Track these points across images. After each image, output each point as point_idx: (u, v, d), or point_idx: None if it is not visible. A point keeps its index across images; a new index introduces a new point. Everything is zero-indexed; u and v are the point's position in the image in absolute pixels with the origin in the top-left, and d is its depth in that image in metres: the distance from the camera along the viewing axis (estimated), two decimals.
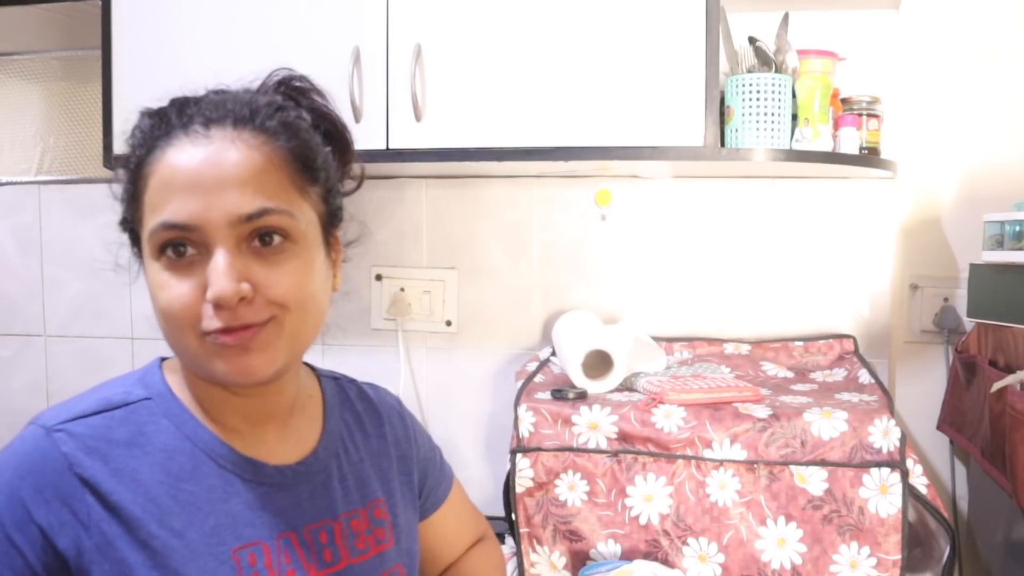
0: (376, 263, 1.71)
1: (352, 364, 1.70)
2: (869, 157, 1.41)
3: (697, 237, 1.60)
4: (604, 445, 1.22)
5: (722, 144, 1.34)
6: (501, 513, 1.30)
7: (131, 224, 0.75)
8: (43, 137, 1.89)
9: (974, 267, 1.25)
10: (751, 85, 1.32)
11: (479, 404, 1.69)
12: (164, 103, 0.75)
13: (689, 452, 1.19)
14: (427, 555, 0.97)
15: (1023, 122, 1.42)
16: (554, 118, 1.31)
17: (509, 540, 1.44)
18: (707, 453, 1.18)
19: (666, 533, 1.19)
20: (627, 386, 1.36)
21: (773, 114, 1.32)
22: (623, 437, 1.21)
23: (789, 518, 1.16)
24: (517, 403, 1.27)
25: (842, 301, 1.56)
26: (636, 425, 1.20)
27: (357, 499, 0.83)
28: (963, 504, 1.45)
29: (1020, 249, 1.14)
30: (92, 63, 1.66)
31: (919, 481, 1.15)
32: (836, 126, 1.39)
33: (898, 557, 1.13)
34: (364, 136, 1.35)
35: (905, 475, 1.13)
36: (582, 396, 1.28)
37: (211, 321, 0.68)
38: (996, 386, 1.13)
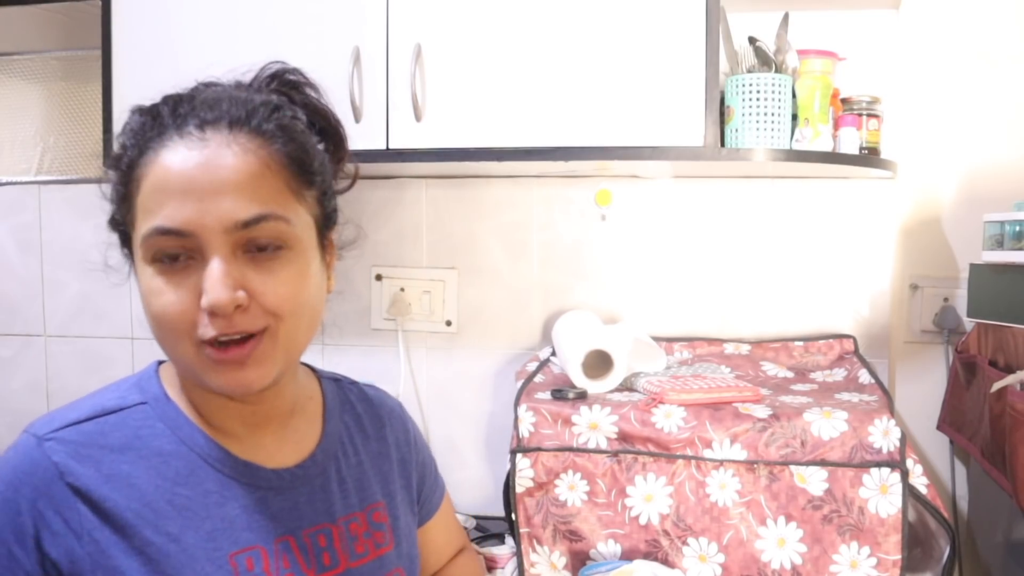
0: (376, 263, 1.71)
1: (352, 364, 1.70)
2: (869, 157, 1.41)
3: (697, 237, 1.60)
4: (604, 445, 1.22)
5: (722, 144, 1.34)
6: (501, 513, 1.30)
7: (122, 225, 0.73)
8: (43, 137, 1.89)
9: (974, 267, 1.25)
10: (751, 85, 1.32)
11: (479, 404, 1.69)
12: (158, 99, 0.74)
13: (689, 452, 1.19)
14: None
15: (1023, 122, 1.42)
16: (554, 118, 1.31)
17: (509, 540, 1.44)
18: (707, 453, 1.18)
19: (666, 533, 1.19)
20: (627, 386, 1.36)
21: (773, 114, 1.32)
22: (623, 437, 1.21)
23: (789, 518, 1.16)
24: (517, 403, 1.27)
25: (842, 301, 1.56)
26: (636, 425, 1.20)
27: (356, 502, 0.83)
28: (963, 504, 1.45)
29: (1020, 249, 1.14)
30: (92, 63, 1.66)
31: (919, 481, 1.15)
32: (836, 126, 1.39)
33: (898, 557, 1.12)
34: (364, 136, 1.36)
35: (905, 475, 1.13)
36: (582, 396, 1.28)
37: (206, 329, 0.68)
38: (996, 386, 1.13)
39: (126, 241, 0.74)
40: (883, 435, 1.14)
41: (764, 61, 1.39)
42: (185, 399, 0.77)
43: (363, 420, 0.90)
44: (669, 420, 1.19)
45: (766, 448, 1.16)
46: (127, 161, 0.71)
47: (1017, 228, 1.15)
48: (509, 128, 1.32)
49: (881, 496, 1.13)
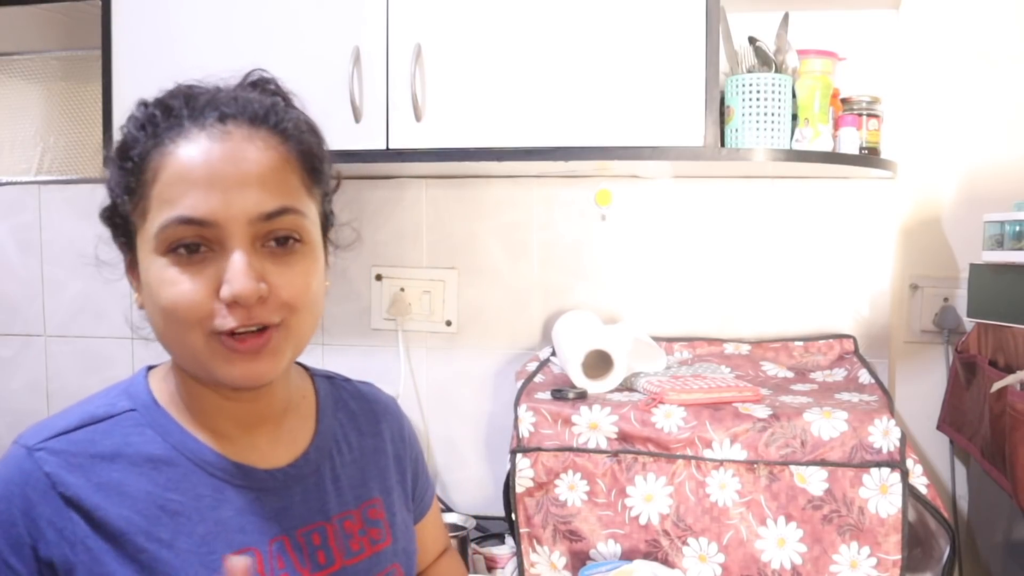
0: (376, 263, 1.71)
1: (352, 364, 1.70)
2: (869, 157, 1.41)
3: (697, 237, 1.60)
4: (604, 445, 1.22)
5: (722, 144, 1.34)
6: (501, 513, 1.30)
7: (123, 217, 0.73)
8: (43, 137, 1.89)
9: (974, 267, 1.25)
10: (751, 85, 1.32)
11: (479, 404, 1.69)
12: (162, 94, 0.73)
13: (689, 452, 1.19)
14: None
15: (1023, 122, 1.42)
16: (554, 118, 1.31)
17: (509, 540, 1.44)
18: (707, 453, 1.18)
19: (666, 533, 1.19)
20: (627, 386, 1.36)
21: (773, 114, 1.32)
22: (623, 437, 1.21)
23: (789, 518, 1.16)
24: (517, 403, 1.27)
25: (842, 301, 1.55)
26: (636, 425, 1.20)
27: (350, 500, 0.83)
28: (963, 504, 1.45)
29: (1020, 249, 1.14)
30: (92, 63, 1.66)
31: (919, 481, 1.15)
32: (836, 126, 1.39)
33: (898, 557, 1.13)
34: (364, 136, 1.36)
35: (905, 475, 1.13)
36: (582, 396, 1.28)
37: (225, 320, 0.68)
38: (996, 386, 1.13)
39: (122, 234, 0.74)
40: (883, 435, 1.14)
41: (764, 61, 1.39)
42: (176, 403, 0.76)
43: (358, 417, 0.90)
44: (669, 420, 1.19)
45: (766, 448, 1.16)
46: (139, 152, 0.70)
47: (1017, 228, 1.15)
48: (509, 128, 1.32)
49: (881, 496, 1.13)
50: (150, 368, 0.80)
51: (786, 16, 1.41)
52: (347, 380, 0.94)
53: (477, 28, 1.32)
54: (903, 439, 1.14)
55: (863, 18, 1.49)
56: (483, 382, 1.69)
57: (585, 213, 1.63)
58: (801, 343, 1.53)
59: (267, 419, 0.79)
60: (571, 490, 1.22)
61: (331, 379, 0.92)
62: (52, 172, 1.89)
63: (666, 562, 1.19)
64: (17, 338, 1.91)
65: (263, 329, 0.70)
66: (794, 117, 1.36)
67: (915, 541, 1.18)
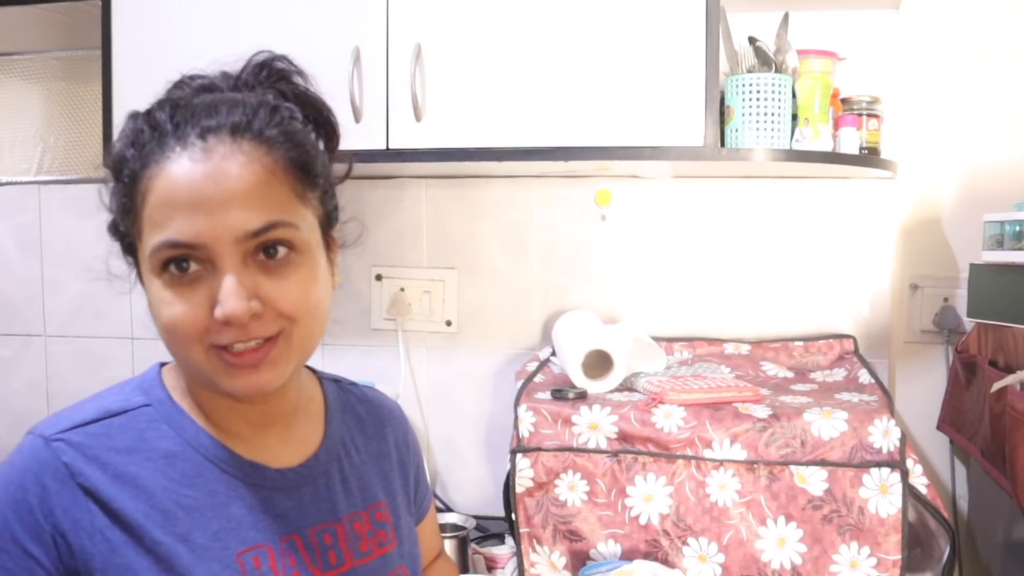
0: (376, 263, 1.71)
1: (352, 364, 1.71)
2: (869, 157, 1.41)
3: (697, 237, 1.60)
4: (604, 445, 1.22)
5: (722, 144, 1.34)
6: (501, 513, 1.30)
7: (126, 235, 0.73)
8: (43, 137, 1.89)
9: (974, 267, 1.25)
10: (751, 85, 1.32)
11: (479, 404, 1.69)
12: (152, 103, 0.73)
13: (689, 452, 1.19)
14: None
15: (1023, 122, 1.42)
16: (554, 118, 1.31)
17: (509, 540, 1.44)
18: (707, 453, 1.18)
19: (666, 533, 1.19)
20: (627, 386, 1.36)
21: (773, 114, 1.32)
22: (623, 437, 1.21)
23: (789, 518, 1.16)
24: (517, 403, 1.27)
25: (842, 301, 1.55)
26: (636, 425, 1.20)
27: (359, 501, 0.83)
28: (963, 504, 1.45)
29: (1020, 249, 1.14)
30: (92, 63, 1.66)
31: (919, 481, 1.15)
32: (836, 126, 1.39)
33: (898, 557, 1.13)
34: (364, 136, 1.36)
35: (905, 475, 1.13)
36: (582, 396, 1.28)
37: (219, 336, 0.68)
38: (996, 386, 1.13)
39: (129, 249, 0.74)
40: (883, 435, 1.14)
41: (764, 61, 1.39)
42: (189, 401, 0.77)
43: (364, 421, 0.90)
44: (669, 420, 1.19)
45: (766, 448, 1.16)
46: (128, 173, 0.71)
47: (1017, 228, 1.15)
48: (509, 128, 1.32)
49: (881, 496, 1.13)
50: (162, 365, 0.80)
51: (786, 16, 1.41)
52: (353, 384, 0.94)
53: (477, 28, 1.32)
54: (903, 439, 1.14)
55: (863, 18, 1.49)
56: (483, 382, 1.69)
57: (585, 213, 1.63)
58: (801, 343, 1.53)
59: (277, 419, 0.80)
60: (571, 490, 1.22)
61: (338, 383, 0.92)
62: (52, 172, 1.89)
63: (666, 562, 1.19)
64: (17, 338, 1.91)
65: (262, 343, 0.70)
66: (794, 117, 1.36)
67: (915, 541, 1.18)
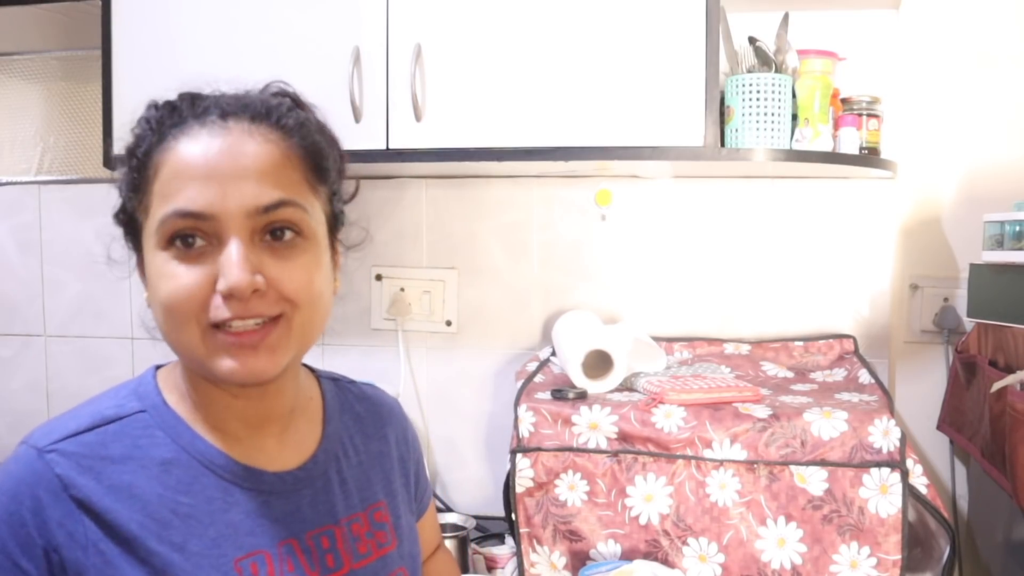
0: (376, 263, 1.71)
1: (352, 364, 1.70)
2: (869, 157, 1.41)
3: (697, 237, 1.60)
4: (604, 445, 1.22)
5: (722, 144, 1.34)
6: (501, 513, 1.30)
7: (130, 215, 0.73)
8: (43, 137, 1.89)
9: (974, 267, 1.25)
10: (751, 85, 1.32)
11: (479, 404, 1.69)
12: (172, 96, 0.75)
13: (689, 452, 1.19)
14: None
15: (1023, 122, 1.42)
16: (554, 118, 1.31)
17: (509, 540, 1.44)
18: (707, 453, 1.18)
19: (666, 533, 1.19)
20: (627, 386, 1.36)
21: (773, 114, 1.32)
22: (623, 437, 1.21)
23: (789, 518, 1.16)
24: (517, 403, 1.27)
25: (842, 301, 1.56)
26: (636, 425, 1.20)
27: (357, 502, 0.83)
28: (963, 504, 1.45)
29: (1020, 249, 1.14)
30: (92, 63, 1.66)
31: (919, 481, 1.15)
32: (836, 126, 1.39)
33: (898, 557, 1.13)
34: (364, 136, 1.36)
35: (905, 475, 1.13)
36: (582, 396, 1.28)
37: (219, 311, 0.68)
38: (996, 386, 1.13)
39: (132, 232, 0.74)
40: (883, 435, 1.14)
41: (764, 61, 1.39)
42: (185, 404, 0.76)
43: (363, 420, 0.90)
44: (669, 420, 1.19)
45: (766, 448, 1.16)
46: (144, 150, 0.72)
47: (1017, 228, 1.15)
48: (509, 128, 1.32)
49: (881, 496, 1.13)
50: (158, 367, 0.80)
51: (786, 16, 1.41)
52: (352, 382, 0.94)
53: (477, 28, 1.32)
54: (903, 439, 1.14)
55: (863, 18, 1.49)
56: (483, 382, 1.69)
57: (585, 213, 1.63)
58: (801, 343, 1.53)
59: (274, 419, 0.79)
60: (571, 490, 1.22)
61: (336, 381, 0.92)
62: (52, 172, 1.89)
63: (666, 562, 1.19)
64: (17, 338, 1.91)
65: (262, 324, 0.69)
66: (794, 117, 1.36)
67: (915, 541, 1.18)
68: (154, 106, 0.74)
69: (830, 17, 1.49)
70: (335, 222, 0.79)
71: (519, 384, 1.37)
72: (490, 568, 1.43)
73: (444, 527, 1.44)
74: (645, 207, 1.61)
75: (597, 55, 1.29)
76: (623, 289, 1.63)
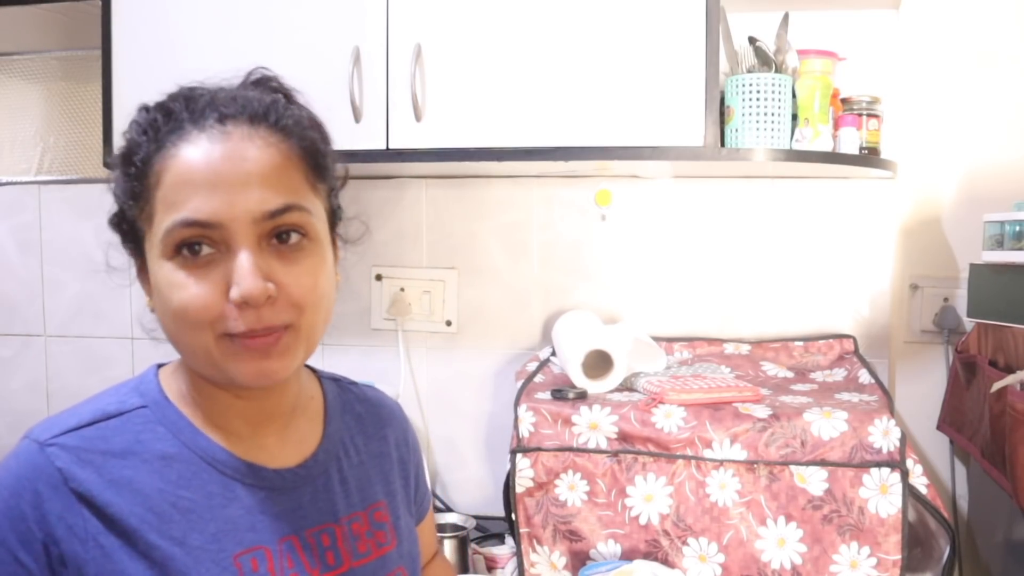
0: (376, 263, 1.71)
1: (352, 364, 1.71)
2: (869, 157, 1.41)
3: (697, 237, 1.60)
4: (604, 445, 1.22)
5: (722, 144, 1.34)
6: (501, 513, 1.30)
7: (129, 223, 0.73)
8: (43, 137, 1.89)
9: (974, 267, 1.25)
10: (751, 85, 1.32)
11: (479, 404, 1.69)
12: (163, 98, 0.74)
13: (689, 452, 1.19)
14: None
15: (1023, 122, 1.42)
16: (554, 118, 1.31)
17: (509, 540, 1.44)
18: (707, 453, 1.18)
19: (666, 533, 1.19)
20: (627, 386, 1.36)
21: (773, 114, 1.32)
22: (623, 437, 1.21)
23: (789, 518, 1.16)
24: (517, 403, 1.27)
25: (842, 301, 1.56)
26: (636, 425, 1.20)
27: (357, 501, 0.83)
28: (963, 504, 1.45)
29: (1020, 249, 1.14)
30: (92, 63, 1.66)
31: (919, 481, 1.15)
32: (836, 126, 1.39)
33: (898, 557, 1.13)
34: (364, 136, 1.36)
35: (905, 475, 1.13)
36: (582, 396, 1.28)
37: (236, 323, 0.68)
38: (996, 386, 1.13)
39: (131, 239, 0.74)
40: (883, 435, 1.14)
41: (764, 61, 1.39)
42: (187, 401, 0.76)
43: (364, 421, 0.90)
44: (669, 420, 1.19)
45: (766, 448, 1.16)
46: (141, 157, 0.71)
47: (1017, 228, 1.15)
48: (509, 128, 1.32)
49: (881, 496, 1.13)
50: (160, 366, 0.80)
51: (786, 16, 1.41)
52: (353, 383, 0.94)
53: (477, 28, 1.32)
54: (903, 439, 1.14)
55: (863, 18, 1.49)
56: (483, 382, 1.69)
57: (585, 213, 1.63)
58: (801, 343, 1.53)
59: (276, 417, 0.80)
60: (571, 490, 1.23)
61: (338, 381, 0.92)
62: (52, 172, 1.89)
63: (666, 562, 1.19)
64: (17, 338, 1.91)
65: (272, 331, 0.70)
66: (794, 117, 1.36)
67: (915, 541, 1.18)
68: (146, 109, 0.73)
69: (830, 17, 1.49)
70: (334, 217, 0.80)
71: (519, 384, 1.37)
72: (490, 568, 1.43)
73: (444, 527, 1.44)
74: (645, 207, 1.61)
75: (597, 55, 1.29)
76: (623, 289, 1.63)
